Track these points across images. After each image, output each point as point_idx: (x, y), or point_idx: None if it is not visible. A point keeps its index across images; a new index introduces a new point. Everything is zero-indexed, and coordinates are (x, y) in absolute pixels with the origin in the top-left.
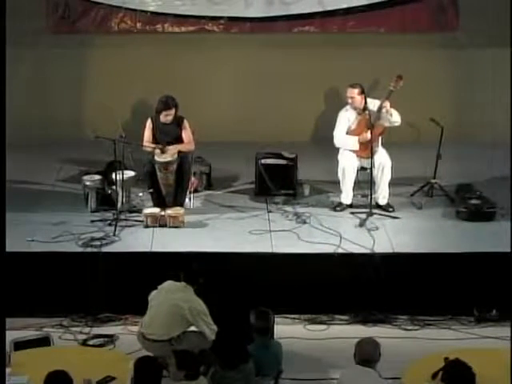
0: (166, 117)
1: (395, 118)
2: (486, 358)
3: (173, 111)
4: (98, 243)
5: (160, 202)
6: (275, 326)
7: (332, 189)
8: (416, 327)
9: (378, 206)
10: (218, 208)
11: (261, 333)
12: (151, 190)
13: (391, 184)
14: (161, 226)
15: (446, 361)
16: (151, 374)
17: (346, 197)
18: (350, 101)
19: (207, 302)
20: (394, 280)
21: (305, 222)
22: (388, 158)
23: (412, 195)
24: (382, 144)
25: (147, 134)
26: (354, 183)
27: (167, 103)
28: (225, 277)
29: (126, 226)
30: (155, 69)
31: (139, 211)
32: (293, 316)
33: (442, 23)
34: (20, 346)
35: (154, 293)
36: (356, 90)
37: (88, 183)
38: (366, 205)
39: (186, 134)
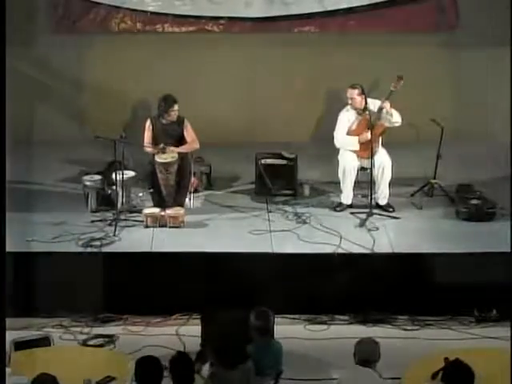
0: (172, 115)
1: (395, 118)
2: (485, 358)
3: (177, 108)
4: (98, 243)
5: (160, 202)
6: (275, 326)
7: (332, 189)
8: (416, 327)
9: (378, 206)
10: (218, 208)
11: (261, 333)
12: (151, 190)
13: (391, 184)
14: (161, 226)
15: (445, 361)
16: (152, 374)
17: (346, 197)
18: (350, 101)
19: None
20: (394, 280)
21: (305, 222)
22: (388, 158)
23: (412, 195)
24: (382, 144)
25: (147, 135)
26: (355, 183)
27: (171, 100)
28: (225, 277)
29: (126, 226)
30: (155, 69)
31: (139, 211)
32: (293, 316)
33: (442, 23)
34: (20, 345)
35: None
36: (356, 91)
37: (88, 183)
38: (366, 205)
39: (189, 134)
